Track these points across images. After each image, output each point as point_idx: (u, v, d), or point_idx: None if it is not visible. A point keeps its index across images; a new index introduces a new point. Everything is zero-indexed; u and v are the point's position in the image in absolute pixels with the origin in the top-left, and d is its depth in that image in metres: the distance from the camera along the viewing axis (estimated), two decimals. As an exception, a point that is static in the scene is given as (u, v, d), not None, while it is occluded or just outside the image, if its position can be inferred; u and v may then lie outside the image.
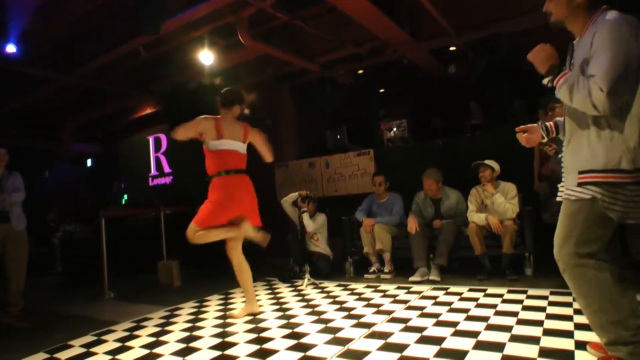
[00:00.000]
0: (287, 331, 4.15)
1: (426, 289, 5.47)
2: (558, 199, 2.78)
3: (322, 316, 4.61)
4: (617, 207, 2.48)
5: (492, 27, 7.30)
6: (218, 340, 4.05)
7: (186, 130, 4.56)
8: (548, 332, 3.48)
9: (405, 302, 4.94)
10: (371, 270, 6.70)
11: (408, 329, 3.91)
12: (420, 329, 3.87)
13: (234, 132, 4.69)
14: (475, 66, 8.16)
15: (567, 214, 2.67)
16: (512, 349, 3.21)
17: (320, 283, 6.43)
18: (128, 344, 4.19)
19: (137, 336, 4.43)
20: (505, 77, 8.20)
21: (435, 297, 5.03)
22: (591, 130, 2.54)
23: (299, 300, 5.47)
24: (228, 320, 4.74)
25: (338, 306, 5.00)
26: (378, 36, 7.78)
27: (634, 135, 2.44)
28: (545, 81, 2.65)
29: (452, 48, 8.52)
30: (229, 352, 3.69)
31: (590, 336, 3.02)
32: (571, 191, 2.61)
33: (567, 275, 2.66)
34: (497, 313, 4.18)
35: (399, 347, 3.44)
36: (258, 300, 5.62)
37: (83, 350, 4.11)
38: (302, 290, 6.12)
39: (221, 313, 5.10)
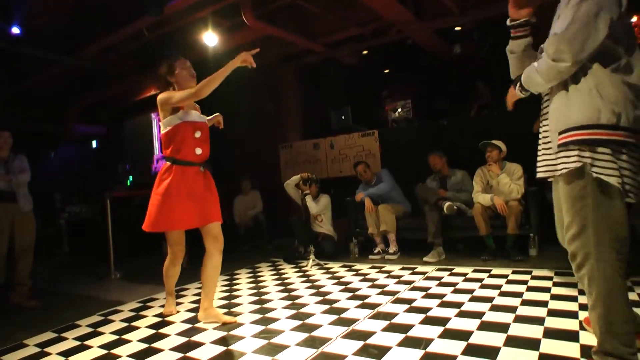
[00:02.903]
0: (292, 312, 4.18)
1: (431, 270, 5.49)
2: (540, 174, 2.68)
3: (327, 297, 4.63)
4: (609, 172, 2.24)
5: (498, 5, 7.22)
6: (224, 321, 4.07)
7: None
8: (552, 313, 3.49)
9: (409, 282, 4.95)
10: (376, 251, 6.72)
11: (413, 310, 3.93)
12: (424, 310, 3.89)
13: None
14: (480, 46, 8.11)
15: (577, 192, 2.36)
16: (516, 329, 3.22)
17: (325, 264, 6.46)
18: (134, 323, 4.22)
19: (143, 316, 4.47)
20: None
21: (439, 278, 5.04)
22: (569, 84, 2.39)
23: (304, 281, 5.49)
24: (233, 301, 4.76)
25: (343, 287, 5.02)
26: (382, 16, 7.72)
27: (619, 87, 2.24)
28: (522, 94, 2.65)
29: (457, 28, 8.47)
30: (234, 332, 3.71)
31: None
32: (554, 160, 2.48)
33: (585, 269, 2.35)
34: (502, 294, 4.19)
35: (404, 328, 3.46)
36: (263, 280, 5.66)
37: (90, 329, 4.14)
38: (306, 271, 6.14)
39: (227, 294, 5.12)
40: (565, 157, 2.38)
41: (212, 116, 4.34)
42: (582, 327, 3.09)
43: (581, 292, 3.79)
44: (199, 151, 3.94)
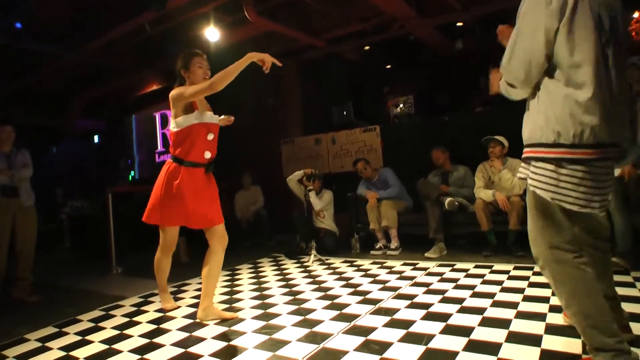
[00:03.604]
0: (294, 307, 4.18)
1: (432, 266, 5.49)
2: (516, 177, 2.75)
3: (329, 292, 4.63)
4: (542, 186, 2.36)
5: (499, 1, 7.22)
6: (225, 316, 4.07)
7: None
8: (554, 309, 3.48)
9: (411, 278, 4.95)
10: (377, 247, 6.72)
11: (414, 306, 3.92)
12: (426, 306, 3.88)
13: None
14: (482, 42, 8.10)
15: (528, 203, 2.54)
16: (518, 325, 3.22)
17: (327, 259, 6.46)
18: (135, 318, 4.23)
19: (145, 311, 4.47)
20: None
21: (441, 274, 5.04)
22: (528, 105, 2.48)
23: (305, 277, 5.50)
24: (235, 296, 4.77)
25: (344, 282, 5.02)
26: (384, 12, 7.73)
27: (564, 103, 2.24)
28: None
29: (459, 23, 8.46)
30: (235, 327, 3.71)
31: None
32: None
33: (545, 272, 2.48)
34: (503, 289, 4.19)
35: (405, 324, 3.46)
36: (265, 276, 5.66)
37: (91, 324, 4.15)
38: (308, 266, 6.15)
39: (228, 289, 5.13)
40: (521, 169, 2.54)
41: (223, 117, 4.30)
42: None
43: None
44: (207, 155, 3.91)
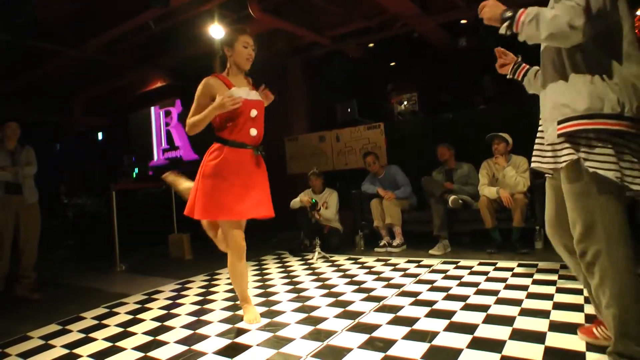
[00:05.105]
0: (298, 304, 4.18)
1: (436, 263, 5.47)
2: (534, 164, 2.54)
3: (333, 290, 4.63)
4: (606, 166, 2.11)
5: (504, -1, 7.20)
6: (229, 314, 4.08)
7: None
8: (558, 306, 3.47)
9: (415, 275, 4.94)
10: (381, 244, 6.71)
11: (418, 303, 3.91)
12: (430, 303, 3.87)
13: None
14: (486, 39, 8.07)
15: (577, 189, 2.25)
16: (522, 322, 3.21)
17: (331, 256, 6.46)
18: (139, 316, 4.22)
19: (149, 309, 4.47)
20: (517, 50, 8.12)
21: (445, 271, 5.03)
22: (568, 71, 2.24)
23: (310, 274, 5.49)
24: (239, 293, 4.77)
25: (348, 280, 5.01)
26: (388, 9, 7.71)
27: (623, 76, 2.11)
28: (502, 30, 2.30)
29: (462, 21, 8.44)
30: (239, 325, 3.71)
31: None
32: (548, 152, 2.38)
33: (596, 268, 2.23)
34: (507, 287, 4.17)
35: (409, 321, 3.45)
36: (269, 273, 5.65)
37: (95, 322, 4.14)
38: (312, 263, 6.14)
39: (232, 287, 5.12)
40: (563, 150, 2.28)
41: (260, 89, 3.86)
42: (587, 321, 3.07)
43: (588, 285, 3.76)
44: (254, 132, 3.56)
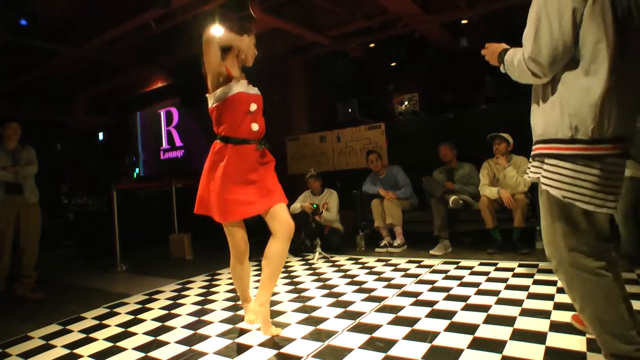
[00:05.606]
0: (298, 305, 4.18)
1: (437, 263, 5.47)
2: (526, 176, 2.56)
3: (333, 290, 4.62)
4: (556, 185, 2.23)
5: (505, -1, 7.22)
6: (229, 314, 4.08)
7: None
8: (559, 306, 3.47)
9: (416, 276, 4.94)
10: (382, 244, 6.71)
11: (419, 303, 3.92)
12: (431, 303, 3.87)
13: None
14: (487, 39, 8.07)
15: (541, 203, 2.43)
16: (522, 323, 3.21)
17: (332, 257, 6.46)
18: (140, 316, 4.23)
19: (149, 309, 4.47)
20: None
21: (446, 271, 5.03)
22: (540, 97, 2.33)
23: (310, 274, 5.49)
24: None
25: (349, 280, 5.01)
26: (389, 9, 7.71)
27: (582, 97, 2.11)
28: (502, 70, 2.47)
29: (464, 21, 8.44)
30: (240, 325, 3.72)
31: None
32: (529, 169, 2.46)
33: (559, 274, 2.35)
34: (508, 287, 4.17)
35: (410, 321, 3.45)
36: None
37: (95, 322, 4.15)
38: (313, 263, 6.14)
39: (232, 287, 5.12)
40: (532, 168, 2.43)
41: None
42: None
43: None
44: (255, 127, 3.42)
